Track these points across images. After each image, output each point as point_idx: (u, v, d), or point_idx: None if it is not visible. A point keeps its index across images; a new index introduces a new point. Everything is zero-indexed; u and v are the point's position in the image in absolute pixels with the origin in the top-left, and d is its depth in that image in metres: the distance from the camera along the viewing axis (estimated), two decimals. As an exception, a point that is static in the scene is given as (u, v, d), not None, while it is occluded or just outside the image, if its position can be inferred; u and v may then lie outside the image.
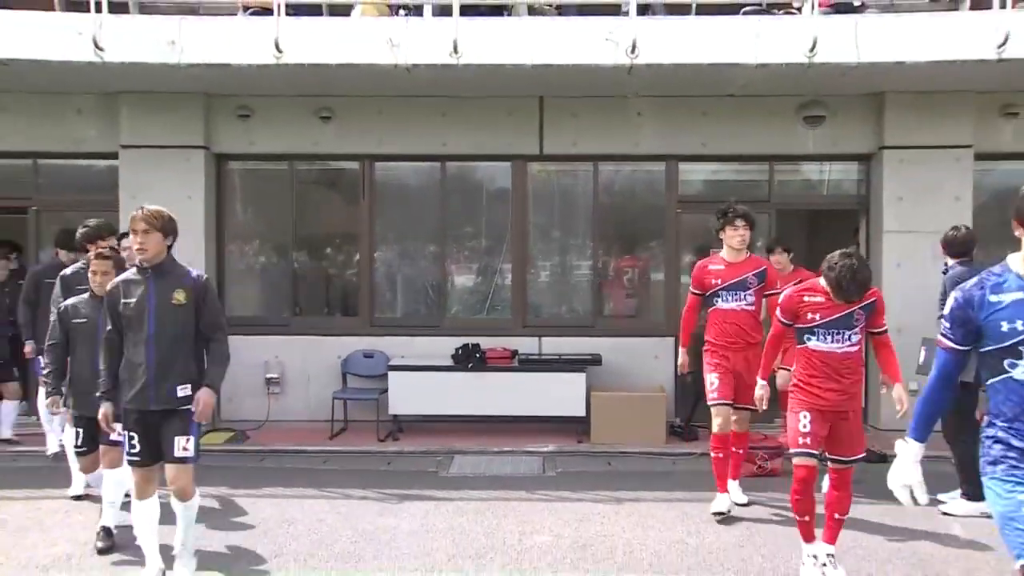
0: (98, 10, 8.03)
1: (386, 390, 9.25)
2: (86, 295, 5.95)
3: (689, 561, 5.63)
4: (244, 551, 5.83)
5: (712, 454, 6.73)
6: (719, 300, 6.70)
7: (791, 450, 5.39)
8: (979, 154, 9.46)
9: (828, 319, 5.21)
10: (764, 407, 5.85)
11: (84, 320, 5.86)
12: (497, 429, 9.22)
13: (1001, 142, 9.55)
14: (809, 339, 5.32)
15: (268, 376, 9.76)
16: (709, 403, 6.74)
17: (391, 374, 9.29)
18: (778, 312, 5.47)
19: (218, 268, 10.00)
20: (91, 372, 5.55)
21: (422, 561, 5.61)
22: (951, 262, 6.84)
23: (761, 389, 5.74)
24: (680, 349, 7.12)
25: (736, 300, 6.68)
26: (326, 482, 7.64)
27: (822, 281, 5.16)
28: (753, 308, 6.75)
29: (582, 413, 9.04)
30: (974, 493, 6.15)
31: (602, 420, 8.98)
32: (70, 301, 6.03)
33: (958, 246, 6.85)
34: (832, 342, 5.24)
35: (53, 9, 8.60)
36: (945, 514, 6.52)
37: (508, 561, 5.62)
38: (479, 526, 6.34)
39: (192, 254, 9.18)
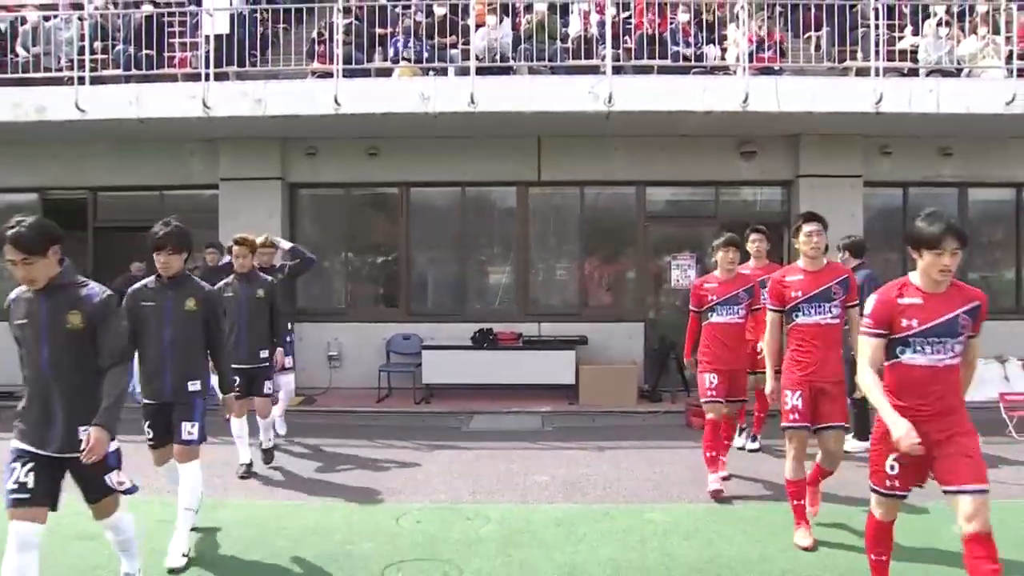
0: (207, 79, 8.37)
1: (420, 364, 9.29)
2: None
3: (654, 493, 5.69)
4: (312, 487, 5.88)
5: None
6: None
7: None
8: (866, 182, 9.61)
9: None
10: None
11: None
12: (506, 394, 9.24)
13: (881, 173, 9.72)
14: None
15: (329, 353, 9.83)
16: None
17: (424, 352, 9.34)
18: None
19: (291, 271, 10.09)
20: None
21: (449, 495, 5.65)
22: (854, 262, 6.88)
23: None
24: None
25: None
26: (375, 435, 7.69)
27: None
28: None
29: (572, 381, 9.07)
30: (863, 434, 6.30)
31: (587, 387, 9.00)
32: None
33: (860, 248, 6.93)
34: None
35: (176, 80, 8.84)
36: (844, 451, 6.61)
37: (515, 495, 5.67)
38: (492, 469, 6.38)
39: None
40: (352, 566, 4.29)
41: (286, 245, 7.33)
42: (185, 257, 4.42)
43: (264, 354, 6.17)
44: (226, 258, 7.63)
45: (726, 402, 5.64)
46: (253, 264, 6.22)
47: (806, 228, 4.57)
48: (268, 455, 6.45)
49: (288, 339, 7.15)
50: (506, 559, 4.38)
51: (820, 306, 4.50)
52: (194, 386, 4.41)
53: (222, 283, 6.00)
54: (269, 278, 6.28)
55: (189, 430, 4.35)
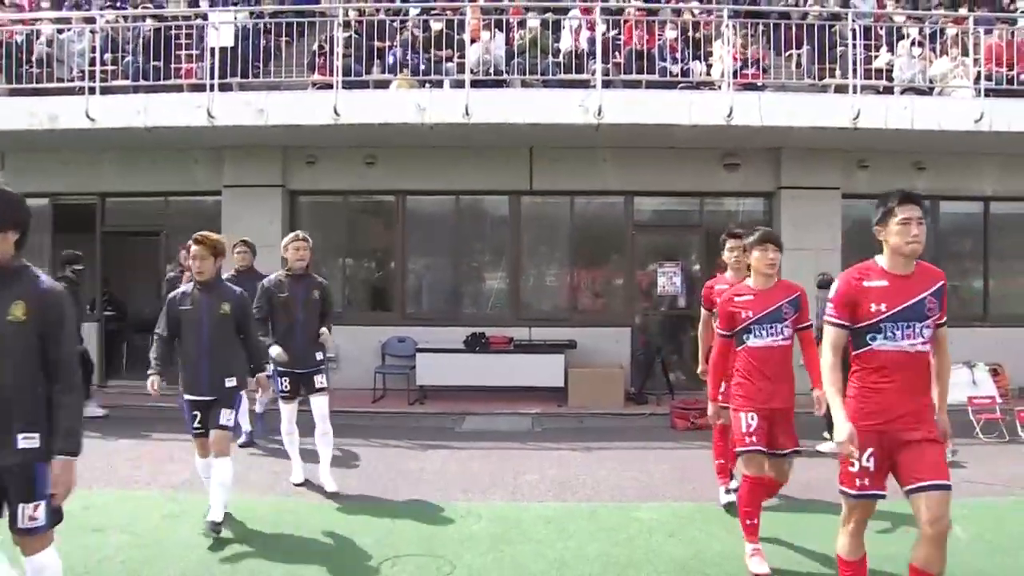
0: (211, 90, 8.34)
1: (415, 366, 9.22)
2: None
3: (641, 492, 5.65)
4: (311, 485, 5.81)
5: None
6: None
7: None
8: (845, 194, 9.62)
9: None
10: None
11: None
12: (498, 396, 9.16)
13: (859, 186, 9.70)
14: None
15: (328, 355, 9.71)
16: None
17: (419, 354, 9.27)
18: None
19: (290, 275, 10.02)
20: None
21: (443, 494, 5.60)
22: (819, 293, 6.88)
23: None
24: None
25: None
26: (371, 435, 7.61)
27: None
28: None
29: (561, 384, 9.01)
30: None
31: (576, 389, 8.95)
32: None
33: (826, 286, 7.02)
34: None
35: (182, 91, 8.80)
36: (818, 451, 6.54)
37: (506, 494, 5.62)
38: (484, 468, 6.33)
39: (272, 267, 9.24)
40: (350, 561, 4.23)
41: (330, 342, 6.01)
42: (16, 239, 2.75)
43: (231, 383, 4.69)
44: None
45: (770, 454, 4.07)
46: (223, 270, 4.97)
47: (901, 213, 2.98)
48: (215, 527, 4.56)
49: (322, 368, 6.01)
50: (498, 555, 4.33)
51: (911, 326, 2.97)
52: (30, 441, 2.69)
53: (178, 293, 4.78)
54: (239, 289, 4.85)
55: (31, 515, 2.69)
